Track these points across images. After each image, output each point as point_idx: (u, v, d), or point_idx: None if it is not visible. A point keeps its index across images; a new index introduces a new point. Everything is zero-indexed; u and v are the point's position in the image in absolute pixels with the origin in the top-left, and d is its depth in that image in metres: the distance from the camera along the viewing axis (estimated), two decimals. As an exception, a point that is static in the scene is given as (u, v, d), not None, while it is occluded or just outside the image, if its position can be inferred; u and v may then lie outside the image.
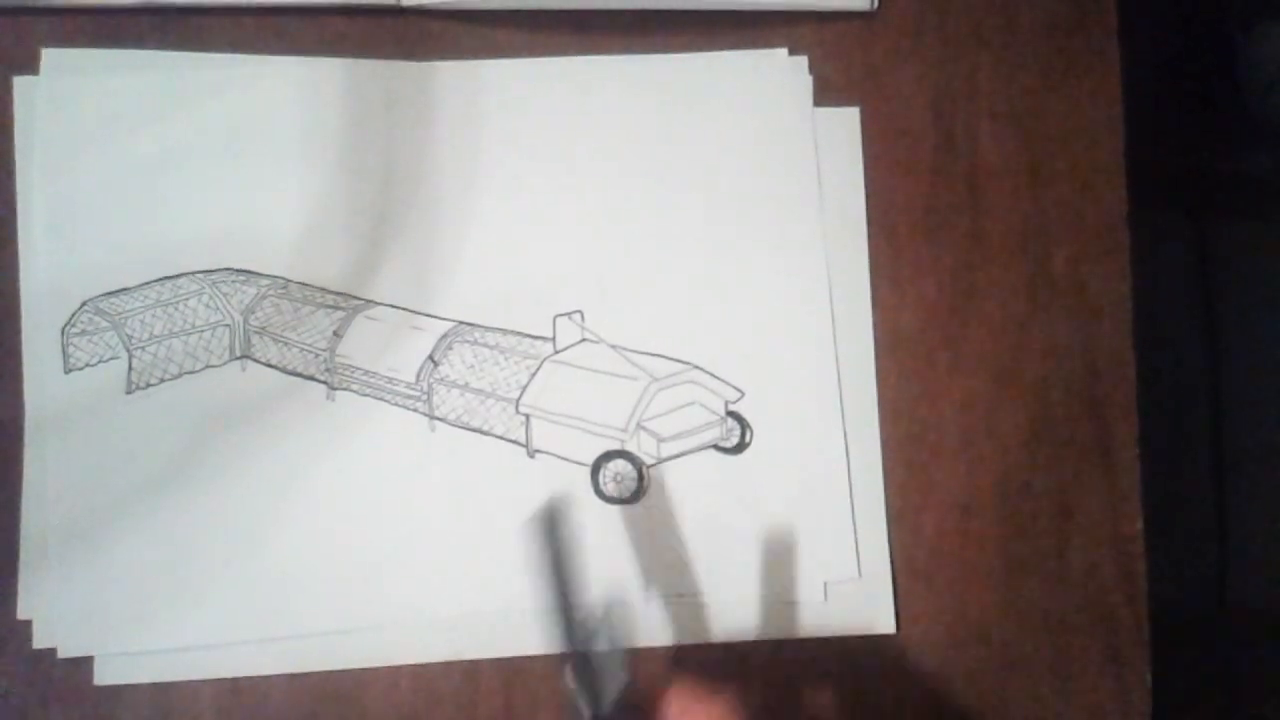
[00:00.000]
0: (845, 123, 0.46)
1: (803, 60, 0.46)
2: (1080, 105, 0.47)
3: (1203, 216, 1.09)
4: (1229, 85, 1.02)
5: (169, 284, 0.43)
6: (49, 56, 0.44)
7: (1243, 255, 1.08)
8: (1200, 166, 1.07)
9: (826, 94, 0.46)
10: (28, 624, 0.41)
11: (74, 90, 0.44)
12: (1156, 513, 0.45)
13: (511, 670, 0.43)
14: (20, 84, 0.44)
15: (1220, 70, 1.02)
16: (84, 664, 0.42)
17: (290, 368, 0.44)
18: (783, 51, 0.46)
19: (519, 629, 0.42)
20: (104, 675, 0.41)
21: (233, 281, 0.44)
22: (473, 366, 0.43)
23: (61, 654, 0.41)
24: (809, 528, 0.44)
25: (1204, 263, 1.09)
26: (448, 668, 0.42)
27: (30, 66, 0.44)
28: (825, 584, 0.44)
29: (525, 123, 0.45)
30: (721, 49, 0.46)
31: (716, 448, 0.44)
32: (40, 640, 0.41)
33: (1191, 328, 1.08)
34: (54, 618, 0.41)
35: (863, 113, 0.46)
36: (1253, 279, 1.08)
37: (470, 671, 0.43)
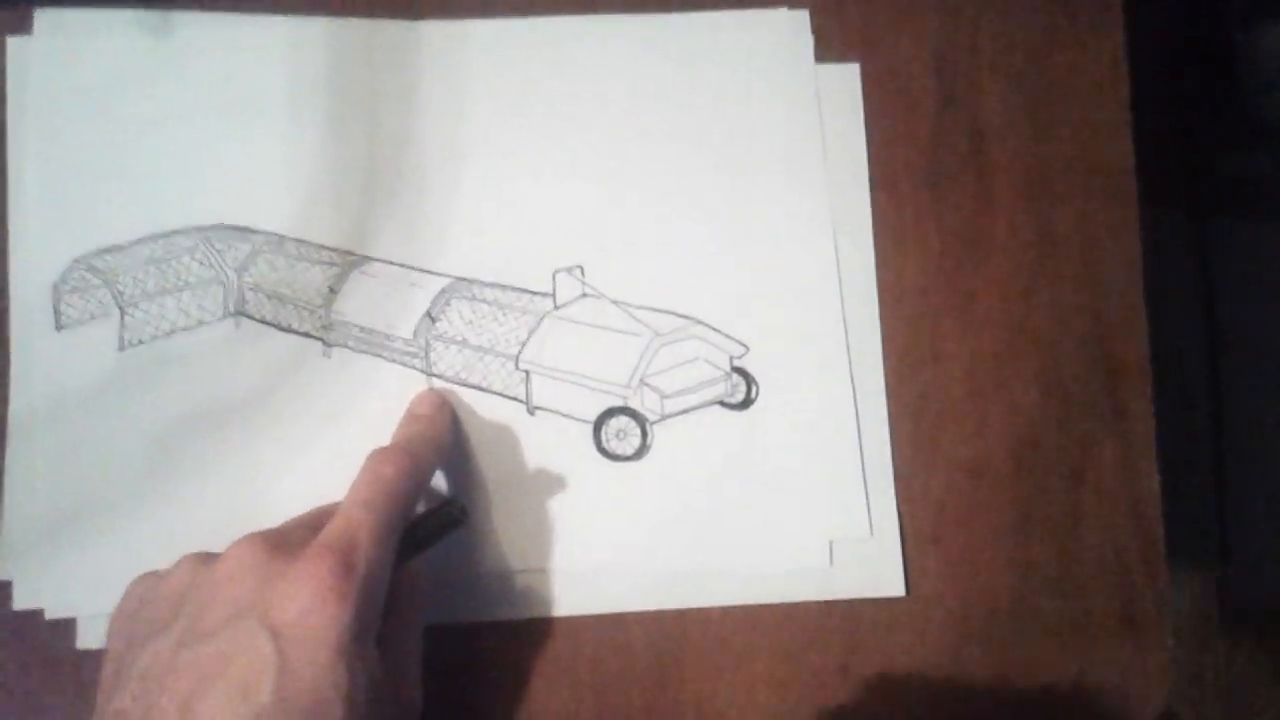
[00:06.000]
0: (845, 79, 0.45)
1: (803, 15, 0.46)
2: (1084, 59, 0.46)
3: (1203, 216, 1.08)
4: (1229, 85, 1.02)
5: (162, 241, 0.43)
6: (42, 17, 0.44)
7: (1243, 255, 1.07)
8: (1200, 166, 1.07)
9: (826, 50, 0.46)
10: (8, 585, 0.40)
11: (66, 50, 0.43)
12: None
13: (512, 635, 0.42)
14: (13, 44, 0.43)
15: (1220, 70, 1.02)
16: (67, 626, 0.40)
17: (285, 324, 0.43)
18: (783, 9, 0.46)
19: (519, 589, 0.41)
20: (87, 638, 0.40)
21: (227, 238, 0.43)
22: (471, 322, 0.42)
23: (45, 616, 0.40)
24: (818, 484, 0.43)
25: (1204, 263, 1.08)
26: (443, 630, 0.41)
27: (23, 27, 0.43)
28: (834, 543, 0.42)
29: (519, 81, 0.45)
30: (719, 4, 0.46)
31: (722, 404, 0.43)
32: (21, 602, 0.40)
33: (1192, 328, 1.07)
34: (38, 579, 0.40)
35: (863, 69, 0.46)
36: (1253, 279, 1.07)
37: (472, 633, 0.41)
